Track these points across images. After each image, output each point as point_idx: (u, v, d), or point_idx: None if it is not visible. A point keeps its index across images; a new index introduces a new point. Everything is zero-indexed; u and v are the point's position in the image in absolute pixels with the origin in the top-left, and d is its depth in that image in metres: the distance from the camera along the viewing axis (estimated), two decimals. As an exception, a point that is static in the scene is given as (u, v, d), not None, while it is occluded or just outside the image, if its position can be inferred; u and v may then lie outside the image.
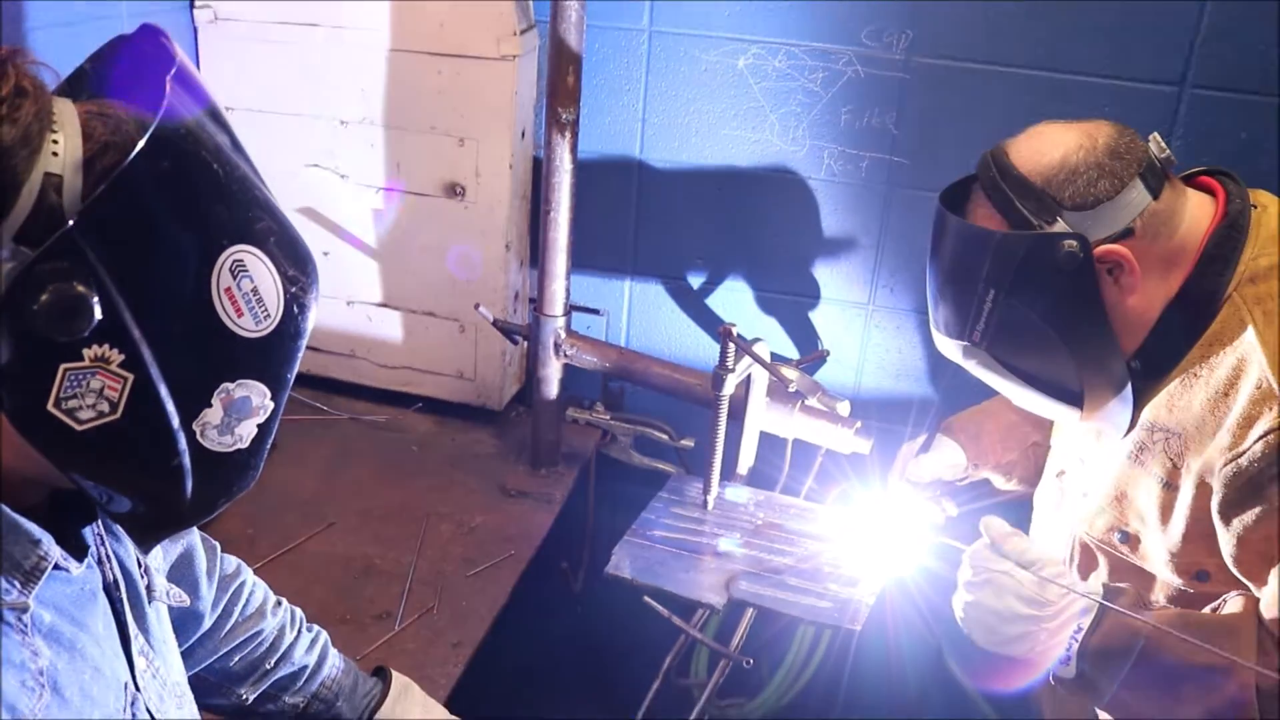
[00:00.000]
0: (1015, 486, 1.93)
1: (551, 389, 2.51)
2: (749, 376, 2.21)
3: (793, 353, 2.76)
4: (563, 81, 2.28)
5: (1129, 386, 1.48)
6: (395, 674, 1.50)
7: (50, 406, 0.83)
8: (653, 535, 2.03)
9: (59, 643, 0.92)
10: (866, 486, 2.07)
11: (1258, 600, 1.41)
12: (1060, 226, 1.40)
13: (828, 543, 2.04)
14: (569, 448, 2.62)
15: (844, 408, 2.38)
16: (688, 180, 2.67)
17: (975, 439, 1.93)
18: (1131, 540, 1.55)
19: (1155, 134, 1.46)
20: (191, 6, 2.56)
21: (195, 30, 2.58)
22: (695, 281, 2.77)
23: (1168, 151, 1.45)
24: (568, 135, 2.30)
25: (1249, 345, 1.38)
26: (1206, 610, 1.48)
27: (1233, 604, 1.45)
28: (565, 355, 2.47)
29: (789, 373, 2.27)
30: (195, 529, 1.30)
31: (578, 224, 2.40)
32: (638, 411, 2.66)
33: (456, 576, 2.17)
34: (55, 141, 0.83)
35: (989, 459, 1.92)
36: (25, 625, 0.88)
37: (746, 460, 2.32)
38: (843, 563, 1.96)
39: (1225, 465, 1.36)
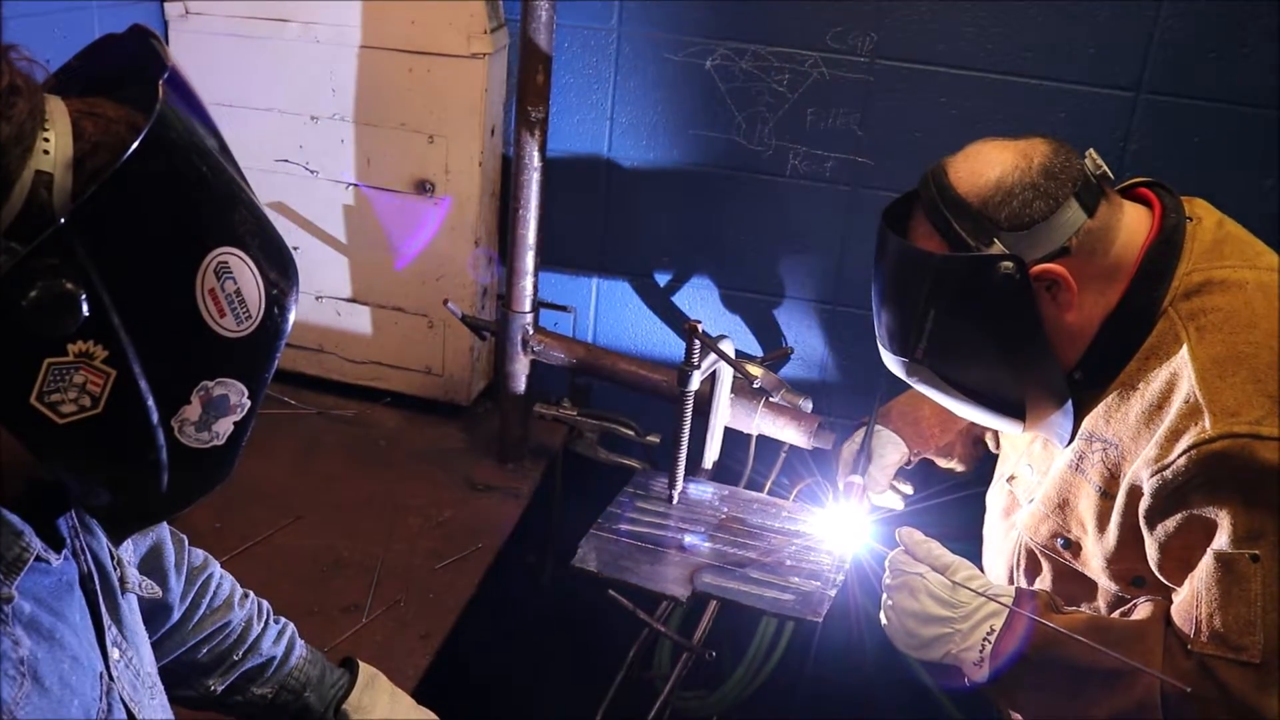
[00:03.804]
0: (956, 466, 1.97)
1: (519, 385, 2.53)
2: (714, 373, 2.24)
3: (757, 350, 2.79)
4: (532, 80, 2.30)
5: (1069, 399, 1.50)
6: (362, 664, 1.52)
7: (33, 400, 0.84)
8: (618, 529, 2.06)
9: (39, 633, 0.93)
10: (826, 486, 2.10)
11: (1166, 605, 1.45)
12: (997, 248, 1.41)
13: (790, 537, 2.07)
14: (536, 443, 2.65)
15: (807, 404, 2.41)
16: (655, 179, 2.69)
17: (914, 424, 1.95)
18: (1073, 547, 1.58)
19: (1091, 150, 1.47)
20: (162, 1, 2.56)
21: (165, 24, 2.57)
22: (662, 279, 2.80)
23: (1103, 168, 1.47)
24: (537, 133, 2.32)
25: (1181, 360, 1.40)
26: (1117, 614, 1.53)
27: (1142, 609, 1.49)
28: (533, 351, 2.50)
29: (754, 369, 2.31)
30: (165, 522, 1.32)
31: (546, 221, 2.42)
32: (604, 407, 2.68)
33: (424, 569, 2.18)
34: (47, 140, 0.84)
35: (930, 443, 1.95)
36: (6, 615, 0.90)
37: (711, 456, 2.35)
38: (805, 556, 2.00)
39: (1152, 476, 1.39)
